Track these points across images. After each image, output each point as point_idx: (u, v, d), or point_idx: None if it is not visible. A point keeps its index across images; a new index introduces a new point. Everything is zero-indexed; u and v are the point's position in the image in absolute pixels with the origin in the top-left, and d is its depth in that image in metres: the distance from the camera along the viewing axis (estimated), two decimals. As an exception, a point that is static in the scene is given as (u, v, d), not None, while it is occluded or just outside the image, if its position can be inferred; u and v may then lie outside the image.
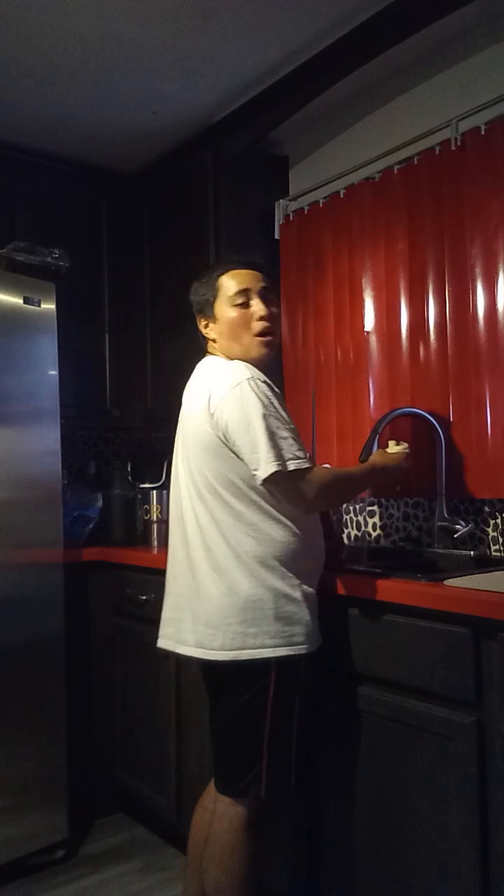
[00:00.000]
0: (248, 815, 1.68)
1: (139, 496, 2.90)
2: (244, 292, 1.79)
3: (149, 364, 2.98)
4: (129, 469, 3.00)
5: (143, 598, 2.45)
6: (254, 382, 1.66)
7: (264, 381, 1.69)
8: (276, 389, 1.72)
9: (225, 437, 1.66)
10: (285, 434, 1.64)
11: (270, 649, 1.63)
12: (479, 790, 1.46)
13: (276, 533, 1.66)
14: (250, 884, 1.68)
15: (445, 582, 1.62)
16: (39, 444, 2.43)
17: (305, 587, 1.68)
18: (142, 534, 2.89)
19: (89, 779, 2.61)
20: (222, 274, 1.83)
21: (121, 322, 3.08)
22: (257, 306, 1.79)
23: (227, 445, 1.67)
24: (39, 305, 2.45)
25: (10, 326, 2.38)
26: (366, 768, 1.71)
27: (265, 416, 1.62)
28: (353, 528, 2.58)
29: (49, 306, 2.47)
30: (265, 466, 1.60)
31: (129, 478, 2.94)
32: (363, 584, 1.71)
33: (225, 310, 1.80)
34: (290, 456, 1.62)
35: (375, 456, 1.97)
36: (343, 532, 2.60)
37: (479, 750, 1.46)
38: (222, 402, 1.66)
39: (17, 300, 2.40)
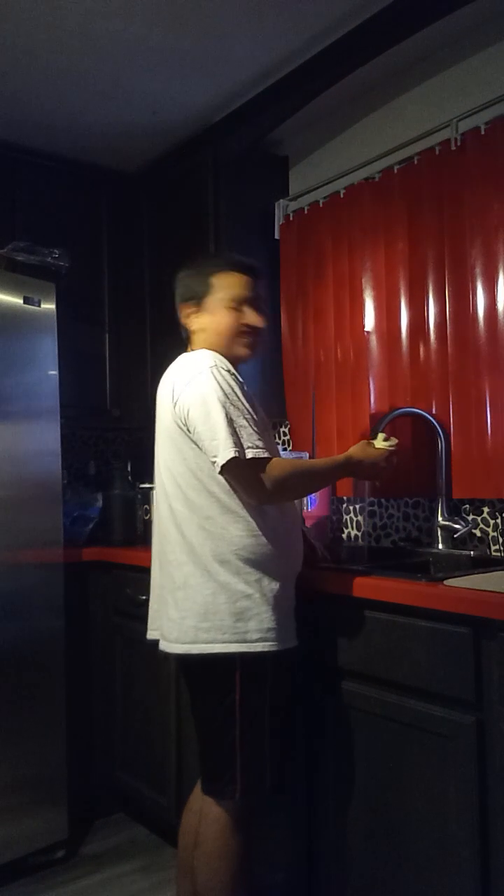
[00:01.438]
0: (230, 815, 1.68)
1: (139, 496, 2.90)
2: (246, 301, 1.78)
3: (149, 364, 2.98)
4: (128, 469, 3.00)
5: (143, 598, 2.44)
6: (216, 371, 1.66)
7: (228, 370, 1.68)
8: (241, 379, 1.71)
9: (186, 426, 1.66)
10: (244, 423, 1.62)
11: (221, 644, 1.62)
12: (479, 790, 1.46)
13: (234, 528, 1.65)
14: (239, 883, 1.67)
15: (445, 582, 1.62)
16: (39, 444, 2.43)
17: (268, 584, 1.66)
18: (142, 534, 2.89)
19: (89, 779, 2.61)
20: (219, 273, 1.80)
21: (121, 322, 3.08)
22: (252, 317, 1.78)
23: (187, 435, 1.67)
24: (39, 305, 2.45)
25: (10, 326, 2.38)
26: (365, 768, 1.71)
27: (224, 405, 1.62)
28: (353, 528, 2.58)
29: (49, 306, 2.47)
30: (223, 453, 1.59)
31: (129, 478, 2.94)
32: (362, 584, 1.71)
33: (219, 309, 1.78)
34: (249, 444, 1.61)
35: (355, 448, 1.88)
36: (342, 532, 2.61)
37: (479, 750, 1.46)
38: (184, 390, 1.66)
39: (17, 300, 2.40)
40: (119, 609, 2.62)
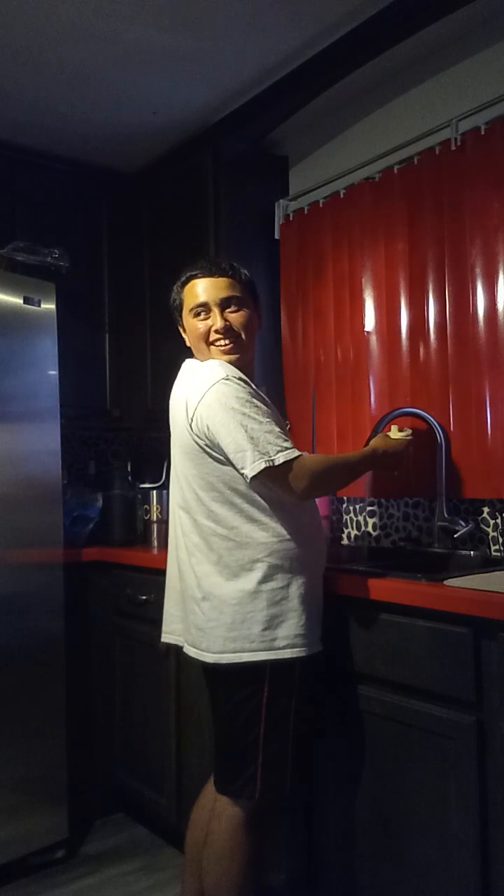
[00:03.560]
0: (245, 815, 1.68)
1: (139, 496, 2.90)
2: (202, 305, 1.77)
3: (149, 364, 2.98)
4: (129, 469, 3.00)
5: (143, 598, 2.45)
6: (228, 381, 1.65)
7: (240, 378, 1.68)
8: (253, 386, 1.71)
9: (208, 440, 1.65)
10: (269, 427, 1.62)
11: (249, 654, 1.63)
12: (479, 790, 1.46)
13: (259, 536, 1.65)
14: (248, 884, 1.68)
15: (445, 582, 1.62)
16: (39, 444, 2.43)
17: (297, 588, 1.66)
18: (142, 534, 2.89)
19: (89, 779, 2.61)
20: (185, 283, 1.81)
21: (121, 322, 3.08)
22: (213, 319, 1.76)
23: (207, 449, 1.66)
24: (39, 305, 2.45)
25: (10, 326, 2.38)
26: (366, 768, 1.71)
27: (245, 414, 1.61)
28: (353, 528, 2.58)
29: (49, 306, 2.47)
30: (253, 465, 1.58)
31: (129, 478, 2.94)
32: (363, 584, 1.71)
33: (188, 320, 1.81)
34: (278, 448, 1.60)
35: (377, 440, 1.96)
36: (342, 532, 2.60)
37: (479, 750, 1.46)
38: (200, 405, 1.65)
39: (17, 300, 2.40)
40: (119, 609, 2.63)
